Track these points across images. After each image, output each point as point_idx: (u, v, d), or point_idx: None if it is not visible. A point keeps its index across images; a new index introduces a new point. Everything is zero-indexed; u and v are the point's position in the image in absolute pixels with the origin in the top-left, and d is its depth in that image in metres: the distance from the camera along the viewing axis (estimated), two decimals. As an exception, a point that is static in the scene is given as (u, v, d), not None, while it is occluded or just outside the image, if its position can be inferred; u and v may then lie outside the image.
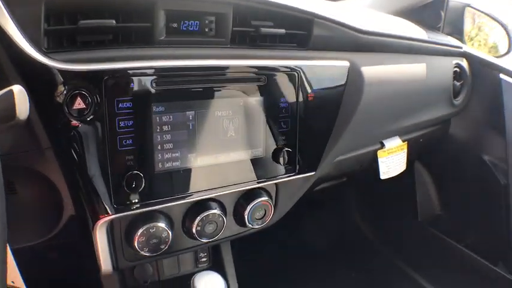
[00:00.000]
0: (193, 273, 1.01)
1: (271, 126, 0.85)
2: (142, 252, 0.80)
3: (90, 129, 0.69)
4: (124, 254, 0.82)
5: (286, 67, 0.86)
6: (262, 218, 0.92)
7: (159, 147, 0.75)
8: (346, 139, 1.01)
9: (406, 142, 1.23)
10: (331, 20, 0.92)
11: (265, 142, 0.85)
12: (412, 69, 1.19)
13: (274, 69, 0.84)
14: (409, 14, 1.47)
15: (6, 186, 0.51)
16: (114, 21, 0.68)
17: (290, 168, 0.90)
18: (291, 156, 0.88)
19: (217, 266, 1.04)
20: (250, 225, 0.90)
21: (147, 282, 0.99)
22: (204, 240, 0.86)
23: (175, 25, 0.75)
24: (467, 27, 1.67)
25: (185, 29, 0.76)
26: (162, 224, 0.80)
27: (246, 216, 0.89)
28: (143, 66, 0.72)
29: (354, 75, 0.99)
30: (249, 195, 0.90)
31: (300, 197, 1.01)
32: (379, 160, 1.16)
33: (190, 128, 0.77)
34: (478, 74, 1.43)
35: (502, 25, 1.73)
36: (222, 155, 0.81)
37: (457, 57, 1.41)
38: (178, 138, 0.76)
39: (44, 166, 0.75)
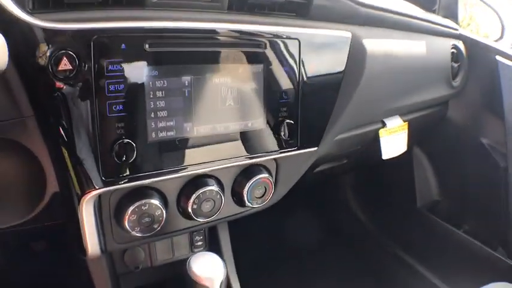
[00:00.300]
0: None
1: (271, 96, 0.80)
2: (133, 233, 0.73)
3: (77, 92, 0.63)
4: (113, 235, 0.76)
5: (287, 34, 0.81)
6: (262, 196, 0.86)
7: (152, 115, 0.69)
8: (348, 114, 0.96)
9: (406, 123, 1.20)
10: (331, -12, 0.88)
11: (265, 113, 0.80)
12: (413, 45, 1.17)
13: (274, 35, 0.79)
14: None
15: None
16: None
17: (291, 143, 0.84)
18: (292, 130, 0.82)
19: (214, 249, 0.98)
20: (249, 205, 0.85)
21: (138, 268, 0.92)
22: (201, 220, 0.80)
23: (168, -14, 0.70)
24: (460, 17, 1.66)
25: (179, -9, 0.71)
26: (155, 201, 0.73)
27: (245, 195, 0.83)
28: (136, 26, 0.66)
29: (356, 47, 0.95)
30: (247, 172, 0.84)
31: (300, 176, 0.96)
32: (381, 139, 1.12)
33: (186, 95, 0.71)
34: (475, 56, 1.41)
35: (494, 11, 1.72)
36: (220, 126, 0.75)
37: (453, 39, 1.39)
38: (173, 105, 0.70)
39: (25, 136, 0.68)
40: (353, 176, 1.75)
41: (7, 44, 0.55)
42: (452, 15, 1.53)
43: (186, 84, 0.71)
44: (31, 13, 0.59)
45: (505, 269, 1.37)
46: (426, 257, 1.53)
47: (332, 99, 0.91)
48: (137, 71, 0.66)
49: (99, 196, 0.72)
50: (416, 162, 1.54)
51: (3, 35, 0.55)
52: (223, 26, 0.74)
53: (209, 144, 0.75)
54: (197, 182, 0.79)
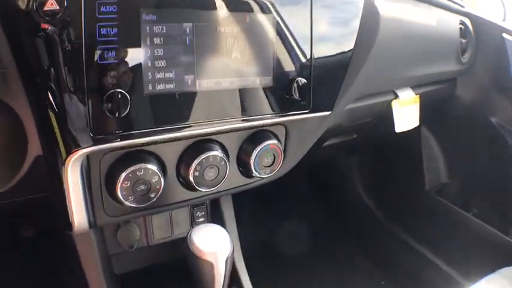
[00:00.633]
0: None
1: (282, 51, 0.71)
2: (126, 203, 0.65)
3: (64, 36, 0.54)
4: (104, 206, 0.67)
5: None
6: (271, 165, 0.78)
7: (149, 64, 0.60)
8: (362, 79, 0.88)
9: (418, 95, 1.14)
10: None
11: (275, 69, 0.71)
12: (424, 15, 1.12)
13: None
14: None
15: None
16: None
17: (303, 105, 0.76)
18: (304, 90, 0.74)
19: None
20: (256, 174, 0.76)
21: (133, 248, 0.82)
22: (203, 190, 0.71)
23: None
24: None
25: None
26: (151, 166, 0.65)
27: (252, 163, 0.75)
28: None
29: (370, 7, 0.88)
30: (255, 139, 0.76)
31: (310, 146, 0.88)
32: (394, 111, 1.06)
33: (188, 43, 0.62)
34: (482, 34, 1.37)
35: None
36: (225, 81, 0.67)
37: (460, 15, 1.34)
38: (172, 54, 0.61)
39: (4, 91, 0.59)
40: (359, 159, 1.67)
41: None
42: (456, -7, 1.49)
43: (188, 31, 0.62)
44: None
45: (517, 254, 1.31)
46: (434, 243, 1.46)
47: (345, 61, 0.83)
48: (133, 14, 0.58)
49: (88, 159, 0.63)
50: (424, 143, 1.47)
51: None
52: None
53: (213, 101, 0.66)
54: (199, 146, 0.70)
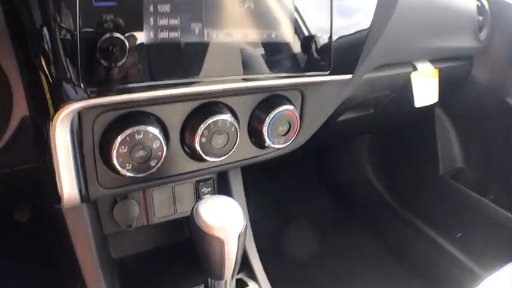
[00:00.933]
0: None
1: (302, 4, 0.63)
2: (123, 171, 0.56)
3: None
4: (97, 175, 0.58)
5: None
6: (286, 134, 0.69)
7: (150, 9, 0.51)
8: (382, 44, 0.81)
9: (437, 70, 1.07)
10: None
11: (293, 23, 0.63)
12: None
13: None
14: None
15: None
16: None
17: (323, 65, 0.67)
18: (324, 48, 0.65)
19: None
20: (270, 144, 0.68)
21: (131, 227, 0.74)
22: (210, 160, 0.63)
23: None
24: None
25: None
26: (152, 129, 0.56)
27: (265, 132, 0.67)
28: None
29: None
30: (268, 104, 0.68)
31: (327, 116, 0.80)
32: (413, 83, 1.00)
33: (195, -15, 0.54)
34: (498, 13, 1.31)
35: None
36: (237, 32, 0.58)
37: (476, -7, 1.28)
38: (177, -1, 0.53)
39: None
40: (369, 142, 1.61)
41: None
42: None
43: (195, -29, 0.54)
44: None
45: (536, 241, 1.25)
46: (449, 230, 1.40)
47: (366, 23, 0.74)
48: None
49: (80, 120, 0.54)
50: (438, 126, 1.40)
51: None
52: None
53: (222, 55, 0.58)
54: (207, 109, 0.62)
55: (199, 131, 0.60)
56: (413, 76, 0.99)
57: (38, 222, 1.00)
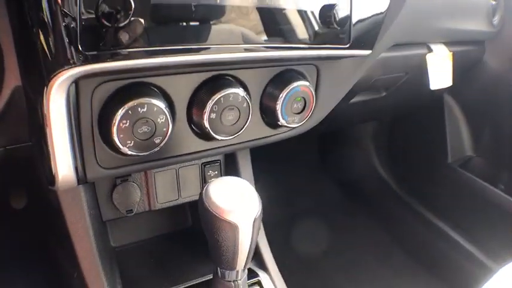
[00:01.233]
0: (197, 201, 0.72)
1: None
2: (124, 149, 0.51)
3: None
4: (96, 154, 0.53)
5: None
6: (301, 112, 0.64)
7: (157, -37, 0.46)
8: (399, 23, 0.77)
9: (451, 52, 1.03)
10: None
11: (311, -9, 0.57)
12: None
13: None
14: None
15: None
16: None
17: (342, 38, 0.62)
18: (344, 20, 0.60)
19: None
20: (283, 123, 0.63)
21: (132, 212, 0.68)
22: (219, 138, 0.57)
23: None
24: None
25: None
26: (157, 102, 0.51)
27: (279, 109, 0.61)
28: None
29: None
30: (281, 80, 0.62)
31: (341, 96, 0.75)
32: (428, 65, 0.97)
33: None
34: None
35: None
36: (253, -4, 0.53)
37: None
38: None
39: None
40: (375, 133, 1.57)
41: None
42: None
43: None
44: None
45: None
46: (458, 220, 1.36)
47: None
48: None
49: (77, 90, 0.48)
50: (448, 113, 1.36)
51: None
52: None
53: (236, 20, 0.52)
54: (216, 83, 0.56)
55: (209, 106, 0.55)
56: (429, 58, 0.96)
57: (34, 209, 0.94)
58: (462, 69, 1.27)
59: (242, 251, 0.52)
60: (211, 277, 0.57)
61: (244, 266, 0.54)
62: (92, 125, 0.51)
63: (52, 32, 0.42)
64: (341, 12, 0.59)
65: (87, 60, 0.43)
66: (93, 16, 0.42)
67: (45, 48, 0.43)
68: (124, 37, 0.45)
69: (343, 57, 0.65)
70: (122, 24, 0.43)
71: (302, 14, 0.57)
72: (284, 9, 0.55)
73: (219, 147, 0.62)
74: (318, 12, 0.58)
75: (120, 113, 0.49)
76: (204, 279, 0.68)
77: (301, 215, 1.41)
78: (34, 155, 0.57)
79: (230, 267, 0.53)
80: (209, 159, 0.73)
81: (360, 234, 1.40)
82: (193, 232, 0.77)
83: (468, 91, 1.35)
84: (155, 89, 0.53)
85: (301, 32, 0.58)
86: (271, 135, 0.66)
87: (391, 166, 1.55)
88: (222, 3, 0.50)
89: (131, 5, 0.43)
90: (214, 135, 0.57)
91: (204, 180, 0.73)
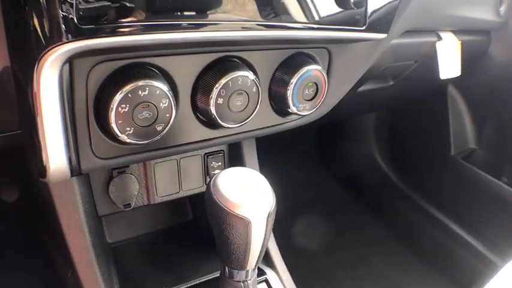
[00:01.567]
0: (200, 194, 0.68)
1: None
2: (123, 137, 0.46)
3: None
4: (91, 143, 0.48)
5: None
6: (312, 99, 0.60)
7: None
8: (414, 5, 0.73)
9: (460, 42, 1.00)
10: None
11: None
12: None
13: None
14: None
15: None
16: None
17: (358, 19, 0.57)
18: (360, 1, 0.56)
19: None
20: (294, 110, 0.58)
21: (129, 206, 0.63)
22: (226, 126, 0.53)
23: None
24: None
25: None
26: (159, 84, 0.46)
27: (289, 95, 0.57)
28: None
29: None
30: (292, 64, 0.58)
31: (354, 81, 0.71)
32: (438, 53, 0.94)
33: None
34: None
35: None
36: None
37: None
38: None
39: None
40: (376, 124, 1.54)
41: None
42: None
43: None
44: None
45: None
46: (460, 214, 1.34)
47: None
48: None
49: (71, 70, 0.43)
50: (451, 104, 1.33)
51: None
52: None
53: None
54: (224, 65, 0.52)
55: (216, 90, 0.50)
56: (439, 45, 0.93)
57: (26, 202, 0.89)
58: (468, 59, 1.25)
59: (254, 249, 0.48)
60: (216, 275, 0.53)
61: (255, 265, 0.50)
62: (88, 110, 0.46)
63: (46, 3, 0.37)
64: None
65: (83, 35, 0.38)
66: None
67: (37, 22, 0.38)
68: (124, 10, 0.40)
69: (357, 40, 0.61)
70: (121, -6, 0.38)
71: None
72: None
73: (225, 136, 0.57)
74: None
75: (119, 96, 0.44)
76: (208, 278, 0.64)
77: (300, 209, 1.38)
78: (24, 143, 0.52)
79: (240, 266, 0.49)
80: (213, 149, 0.68)
81: (360, 229, 1.37)
82: (195, 226, 0.73)
83: (472, 82, 1.32)
84: (157, 71, 0.48)
85: (315, 11, 0.53)
86: (281, 124, 0.62)
87: (392, 158, 1.53)
88: (231, -25, 0.45)
89: None
90: (221, 122, 0.52)
91: (207, 172, 0.69)
